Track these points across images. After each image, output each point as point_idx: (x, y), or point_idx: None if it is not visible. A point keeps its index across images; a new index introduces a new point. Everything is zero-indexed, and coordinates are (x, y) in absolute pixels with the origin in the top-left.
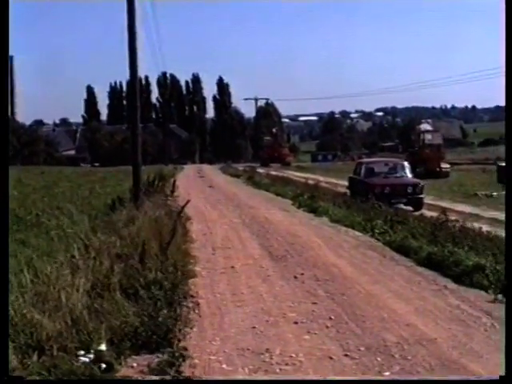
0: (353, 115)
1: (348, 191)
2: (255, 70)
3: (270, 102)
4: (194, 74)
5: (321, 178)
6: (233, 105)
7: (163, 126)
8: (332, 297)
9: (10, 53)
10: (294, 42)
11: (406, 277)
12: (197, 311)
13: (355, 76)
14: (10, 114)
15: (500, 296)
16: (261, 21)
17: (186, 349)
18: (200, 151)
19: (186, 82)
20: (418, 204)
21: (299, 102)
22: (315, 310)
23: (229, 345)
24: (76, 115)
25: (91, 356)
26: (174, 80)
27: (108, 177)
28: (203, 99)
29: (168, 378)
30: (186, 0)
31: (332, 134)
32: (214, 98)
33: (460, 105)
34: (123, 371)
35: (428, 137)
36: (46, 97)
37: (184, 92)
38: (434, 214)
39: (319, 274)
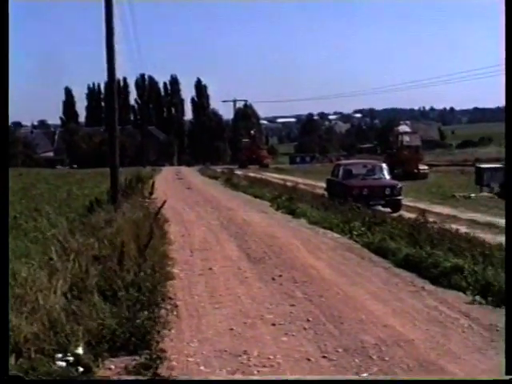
0: (331, 117)
1: (326, 193)
2: (234, 71)
3: (248, 103)
4: (172, 76)
5: (299, 180)
6: (211, 107)
7: (141, 127)
8: (310, 298)
9: None
10: (273, 43)
11: (383, 278)
12: (175, 313)
13: (333, 78)
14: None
15: (478, 297)
16: (239, 22)
17: (163, 351)
18: (178, 153)
19: (164, 84)
20: (396, 205)
21: (277, 103)
22: (293, 312)
23: (206, 346)
24: (54, 117)
25: (69, 359)
26: (153, 82)
27: (86, 179)
28: (181, 101)
29: (167, 378)
30: (163, 1)
31: (310, 136)
32: (193, 99)
33: (438, 106)
34: (101, 373)
35: (406, 138)
36: (24, 98)
37: (162, 94)
38: (413, 215)
39: (297, 275)
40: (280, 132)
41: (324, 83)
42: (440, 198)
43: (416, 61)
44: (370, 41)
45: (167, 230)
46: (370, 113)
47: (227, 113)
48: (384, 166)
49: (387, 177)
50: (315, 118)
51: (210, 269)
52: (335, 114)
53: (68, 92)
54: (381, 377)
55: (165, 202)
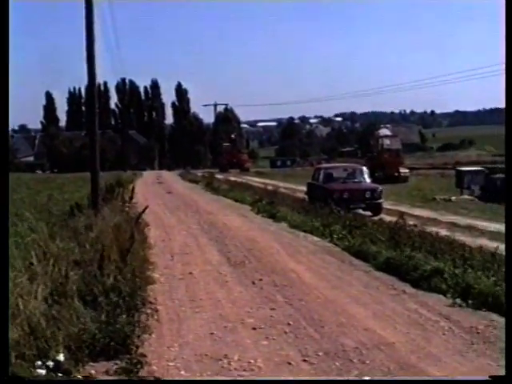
0: (312, 120)
1: (307, 197)
2: (215, 75)
3: (229, 107)
4: (152, 80)
5: (280, 184)
6: (192, 111)
7: (122, 131)
8: (290, 302)
9: None
10: (253, 47)
11: (364, 282)
12: (155, 317)
13: (314, 81)
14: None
15: (458, 300)
16: (219, 26)
17: (144, 355)
18: (159, 157)
19: (145, 88)
20: (377, 209)
21: (258, 107)
22: (273, 316)
23: (187, 351)
24: (35, 121)
25: (49, 364)
26: (133, 86)
27: (67, 183)
28: (162, 105)
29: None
30: (143, 4)
31: (291, 140)
32: (173, 104)
33: (419, 110)
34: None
35: (387, 142)
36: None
37: (143, 98)
38: (393, 218)
39: (278, 279)
40: (261, 136)
41: (305, 87)
42: (420, 201)
43: (397, 64)
44: (351, 45)
45: (147, 234)
46: (350, 116)
47: (208, 117)
48: (364, 169)
49: (367, 180)
50: (296, 121)
51: (191, 273)
52: (316, 117)
53: (49, 96)
54: (381, 377)
55: (146, 207)
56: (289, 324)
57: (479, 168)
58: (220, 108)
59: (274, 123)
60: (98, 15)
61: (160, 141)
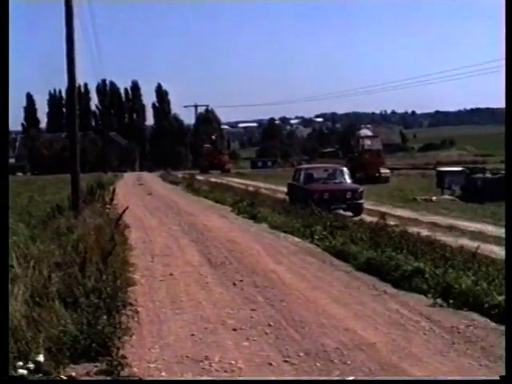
0: (293, 121)
1: (287, 197)
2: (195, 77)
3: (209, 108)
4: (133, 82)
5: (260, 185)
6: (172, 112)
7: (103, 133)
8: (271, 303)
9: None
10: (233, 47)
11: (345, 282)
12: (136, 319)
13: (295, 82)
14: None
15: (439, 300)
16: (200, 28)
17: (124, 357)
18: (140, 159)
19: (126, 90)
20: (358, 209)
21: (239, 108)
22: (254, 317)
23: (168, 352)
24: (15, 123)
25: (30, 366)
26: (114, 87)
27: (47, 185)
28: (143, 106)
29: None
30: (123, 5)
31: (272, 141)
32: (154, 105)
33: (400, 110)
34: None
35: (367, 142)
36: None
37: (123, 99)
38: (374, 219)
39: (258, 280)
40: (242, 137)
41: (286, 88)
42: (401, 201)
43: (377, 65)
44: (331, 46)
45: (128, 236)
46: (331, 117)
47: (189, 118)
48: (345, 170)
49: (348, 181)
50: (277, 122)
51: (171, 274)
52: (297, 118)
53: (29, 98)
54: (381, 377)
55: (126, 208)
56: (269, 325)
57: (460, 168)
58: (201, 109)
59: (254, 124)
60: (78, 16)
61: (141, 142)
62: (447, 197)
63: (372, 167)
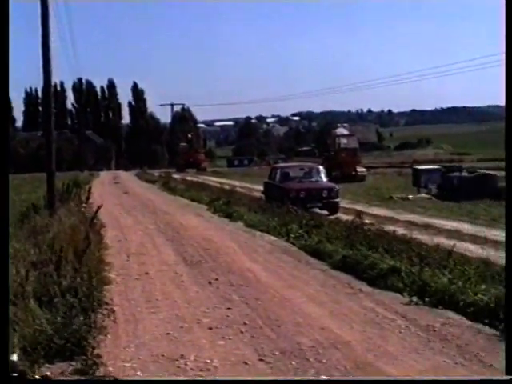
0: (269, 120)
1: (263, 196)
2: (171, 75)
3: (185, 107)
4: (109, 80)
5: (236, 183)
6: (149, 110)
7: (79, 132)
8: (246, 302)
9: None
10: (209, 45)
11: (320, 280)
12: (111, 318)
13: (271, 81)
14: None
15: (415, 298)
16: (174, 26)
17: (99, 356)
18: (116, 157)
19: (102, 88)
20: (334, 208)
21: (215, 107)
22: (230, 316)
23: (143, 351)
24: None
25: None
26: (90, 86)
27: (23, 184)
28: (119, 105)
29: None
30: (98, 4)
31: (248, 139)
32: (130, 103)
33: (376, 109)
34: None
35: (344, 141)
36: None
37: (100, 98)
38: (350, 217)
39: (234, 279)
40: (218, 135)
41: (262, 86)
42: (378, 199)
43: (354, 63)
44: (308, 44)
45: (104, 234)
46: (307, 115)
47: (165, 117)
48: (321, 168)
49: (324, 179)
50: (253, 121)
51: (147, 273)
52: (273, 117)
53: None
54: (381, 377)
55: (100, 206)
56: (245, 323)
57: (436, 167)
58: (177, 108)
59: (231, 123)
60: (55, 15)
61: (117, 141)
62: (423, 195)
63: (348, 166)
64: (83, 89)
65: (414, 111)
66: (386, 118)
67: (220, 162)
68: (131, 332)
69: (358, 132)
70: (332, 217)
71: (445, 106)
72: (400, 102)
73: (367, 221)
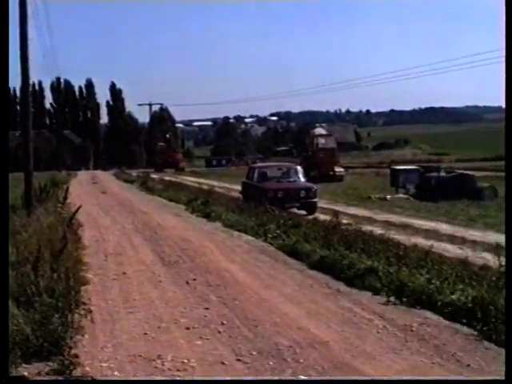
0: (247, 120)
1: (241, 196)
2: (149, 75)
3: (164, 107)
4: (87, 80)
5: (215, 183)
6: (127, 110)
7: (57, 131)
8: (224, 302)
9: None
10: (187, 45)
11: (298, 280)
12: (89, 318)
13: (249, 80)
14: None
15: (392, 298)
16: (152, 25)
17: (77, 356)
18: (94, 157)
19: (80, 88)
20: (312, 208)
21: (194, 107)
22: (207, 316)
23: (121, 351)
24: None
25: None
26: (68, 85)
27: None
28: (97, 105)
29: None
30: (76, 4)
31: (226, 139)
32: (108, 103)
33: (354, 109)
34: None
35: (322, 141)
36: None
37: (78, 97)
38: (328, 217)
39: (211, 279)
40: (196, 135)
41: (240, 86)
42: (356, 199)
43: (331, 63)
44: (285, 44)
45: (81, 234)
46: (286, 116)
47: (143, 116)
48: (299, 168)
49: (302, 179)
50: (231, 121)
51: (124, 273)
52: (251, 117)
53: None
54: (381, 377)
55: (80, 207)
56: (222, 323)
57: (414, 167)
58: (155, 107)
59: (209, 123)
60: (32, 13)
61: (95, 141)
62: (401, 195)
63: (326, 166)
64: (61, 88)
65: (392, 111)
66: (364, 118)
67: (198, 161)
68: (108, 332)
69: (336, 132)
70: (310, 217)
71: (423, 106)
72: (378, 102)
73: (345, 221)
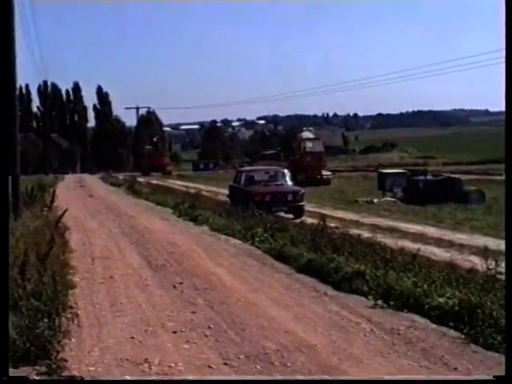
0: (234, 123)
1: (228, 199)
2: (137, 78)
3: (151, 110)
4: (74, 83)
5: (202, 187)
6: (114, 114)
7: (44, 135)
8: (211, 305)
9: None
10: (175, 48)
11: (285, 284)
12: (76, 322)
13: (237, 84)
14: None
15: (380, 301)
16: (140, 28)
17: (64, 360)
18: (81, 161)
19: (67, 91)
20: (299, 211)
21: (181, 110)
22: (194, 319)
23: (108, 355)
24: None
25: None
26: (55, 89)
27: None
28: (84, 108)
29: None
30: (64, 6)
31: (214, 143)
32: (95, 107)
33: (342, 113)
34: None
35: (309, 144)
36: None
37: (65, 101)
38: (315, 221)
39: (198, 282)
40: (183, 139)
41: (228, 90)
42: (343, 203)
43: (318, 67)
44: (274, 46)
45: (68, 238)
46: (273, 119)
47: (130, 120)
48: (286, 172)
49: (289, 183)
50: (219, 124)
51: (111, 277)
52: (239, 120)
53: None
54: (380, 377)
55: (66, 210)
56: (210, 327)
57: (401, 170)
58: (142, 111)
59: (196, 126)
60: (20, 16)
61: (82, 144)
62: (389, 199)
63: (313, 169)
64: (48, 92)
65: (379, 115)
66: (351, 122)
67: (185, 165)
68: (95, 336)
69: (324, 136)
70: (297, 220)
71: (410, 109)
72: (366, 106)
73: (332, 224)
